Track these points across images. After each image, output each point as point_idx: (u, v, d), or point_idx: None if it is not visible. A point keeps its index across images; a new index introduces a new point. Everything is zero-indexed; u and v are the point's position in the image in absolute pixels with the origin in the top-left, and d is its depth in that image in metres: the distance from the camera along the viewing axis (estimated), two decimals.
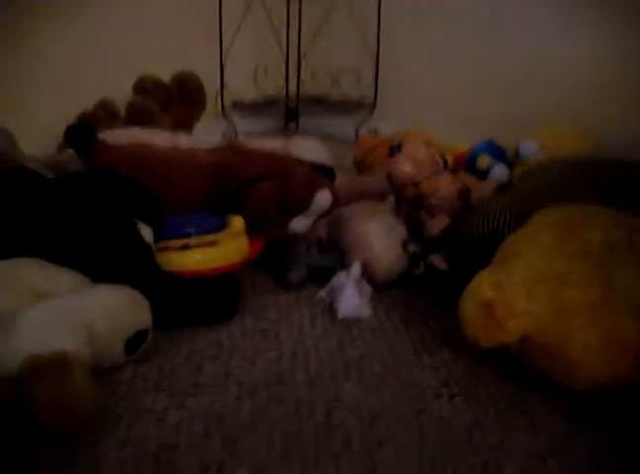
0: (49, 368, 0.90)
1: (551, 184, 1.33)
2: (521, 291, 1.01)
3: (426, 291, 1.36)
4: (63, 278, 1.06)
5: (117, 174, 1.24)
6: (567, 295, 0.97)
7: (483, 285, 1.04)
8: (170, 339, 1.17)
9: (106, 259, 1.11)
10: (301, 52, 3.01)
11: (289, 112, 2.95)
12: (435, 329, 1.25)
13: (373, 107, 2.91)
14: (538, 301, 0.99)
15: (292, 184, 1.40)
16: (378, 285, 1.38)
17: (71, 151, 1.47)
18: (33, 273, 1.04)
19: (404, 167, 1.49)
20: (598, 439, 0.93)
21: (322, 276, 1.40)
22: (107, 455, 0.88)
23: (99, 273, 1.10)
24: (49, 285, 1.04)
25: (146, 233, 1.16)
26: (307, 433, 0.93)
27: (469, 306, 1.05)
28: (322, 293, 1.33)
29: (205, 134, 2.53)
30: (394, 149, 1.57)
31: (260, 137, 2.90)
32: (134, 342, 1.04)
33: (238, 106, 2.91)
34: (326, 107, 2.99)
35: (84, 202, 1.15)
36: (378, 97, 2.91)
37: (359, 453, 0.89)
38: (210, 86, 2.75)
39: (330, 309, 1.30)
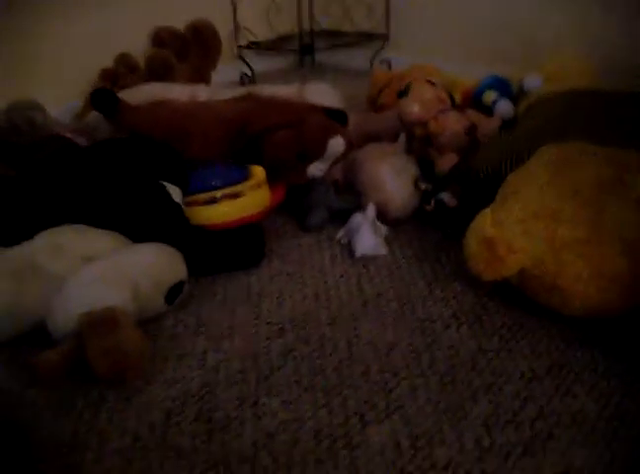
0: (101, 323, 1.02)
1: (550, 120, 1.40)
2: (519, 229, 1.11)
3: (438, 226, 1.46)
4: (106, 241, 1.19)
5: (145, 139, 1.35)
6: (558, 232, 1.07)
7: (485, 224, 1.14)
8: (204, 285, 1.29)
9: (142, 220, 1.23)
10: None
11: (304, 47, 2.99)
12: (446, 263, 1.35)
13: (386, 38, 2.95)
14: (534, 238, 1.09)
15: (307, 132, 1.49)
16: (393, 222, 1.47)
17: (97, 113, 1.57)
18: (79, 238, 1.17)
19: (412, 108, 1.57)
20: (594, 361, 1.04)
21: (340, 217, 1.50)
22: (157, 395, 1.01)
23: (136, 233, 1.22)
24: (95, 248, 1.16)
25: (175, 193, 1.27)
26: (330, 367, 1.05)
27: (473, 243, 1.15)
28: (340, 234, 1.44)
29: (222, 83, 2.63)
30: (402, 91, 1.65)
31: (275, 80, 2.96)
32: (173, 293, 1.16)
33: (253, 46, 2.97)
34: (340, 40, 3.03)
35: (118, 170, 1.27)
36: (390, 28, 2.94)
37: (377, 383, 1.01)
38: (224, 29, 2.82)
39: (348, 249, 1.41)
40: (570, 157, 1.17)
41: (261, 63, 3.05)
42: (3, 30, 2.19)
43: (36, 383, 1.04)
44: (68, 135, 1.47)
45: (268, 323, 1.17)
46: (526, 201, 1.13)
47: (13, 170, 1.42)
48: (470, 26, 2.67)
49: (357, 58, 3.08)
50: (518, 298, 1.18)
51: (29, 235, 1.20)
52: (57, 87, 2.33)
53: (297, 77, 3.04)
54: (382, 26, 2.95)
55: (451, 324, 1.15)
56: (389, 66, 2.96)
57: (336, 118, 1.57)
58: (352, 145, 1.56)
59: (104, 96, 1.55)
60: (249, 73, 2.94)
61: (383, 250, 1.37)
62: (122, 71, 2.27)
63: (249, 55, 2.98)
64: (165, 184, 1.27)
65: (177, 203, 1.27)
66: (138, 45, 2.48)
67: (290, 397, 0.99)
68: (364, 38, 3.00)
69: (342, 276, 1.32)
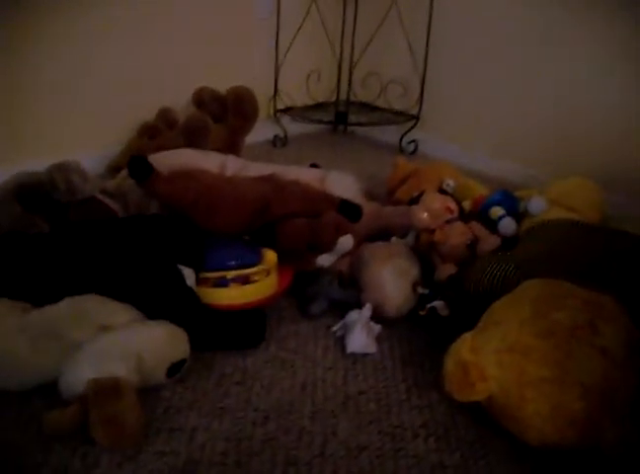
0: (105, 391, 1.15)
1: (542, 251, 1.52)
2: (494, 359, 1.22)
3: (428, 331, 1.57)
4: (122, 314, 1.31)
5: (171, 220, 1.48)
6: (527, 369, 1.18)
7: (464, 348, 1.26)
8: (204, 361, 1.42)
9: (156, 300, 1.36)
10: (353, 60, 3.20)
11: (338, 115, 3.14)
12: (428, 370, 1.46)
13: (417, 119, 3.09)
14: (505, 369, 1.20)
15: (321, 226, 1.62)
16: (387, 321, 1.59)
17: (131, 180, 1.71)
18: (99, 309, 1.30)
19: (421, 215, 1.69)
20: None
21: (340, 307, 1.62)
22: (145, 465, 1.13)
23: (150, 310, 1.35)
24: (111, 320, 1.29)
25: (188, 277, 1.40)
26: (304, 460, 1.16)
27: (450, 364, 1.27)
28: (336, 327, 1.56)
29: (256, 143, 2.77)
30: (413, 200, 1.78)
31: (308, 144, 3.10)
32: (174, 369, 1.29)
33: (289, 111, 3.12)
34: (373, 115, 3.18)
35: (141, 248, 1.41)
36: (422, 110, 3.08)
37: None
38: (265, 90, 2.98)
39: (341, 342, 1.52)
40: (552, 297, 1.28)
41: (295, 126, 3.19)
42: (49, 67, 2.34)
43: (40, 437, 1.17)
44: (103, 200, 1.61)
45: (255, 409, 1.29)
46: (505, 334, 1.24)
47: (48, 224, 1.56)
48: (497, 121, 2.81)
49: (387, 133, 3.21)
50: (486, 416, 1.28)
51: (53, 294, 1.33)
52: (96, 131, 2.49)
53: (328, 143, 3.18)
54: (415, 107, 3.08)
55: (420, 434, 1.26)
56: (416, 147, 3.09)
57: (350, 213, 1.70)
58: (360, 243, 1.69)
59: (139, 164, 1.69)
60: (282, 135, 3.08)
61: (373, 349, 1.49)
62: (162, 127, 2.42)
63: (284, 118, 3.12)
64: (181, 267, 1.40)
65: (188, 287, 1.40)
66: (181, 99, 2.65)
67: None
68: (397, 115, 3.14)
69: (330, 369, 1.43)
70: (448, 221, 1.71)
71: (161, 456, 1.15)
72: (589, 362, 1.17)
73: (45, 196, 1.59)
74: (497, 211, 1.79)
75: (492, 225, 1.79)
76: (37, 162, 1.76)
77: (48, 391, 1.24)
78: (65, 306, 1.29)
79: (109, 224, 1.50)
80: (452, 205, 1.74)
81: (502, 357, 1.21)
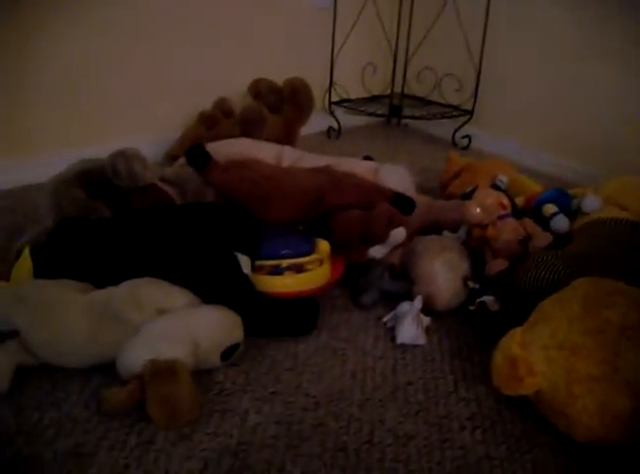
0: (162, 372, 1.19)
1: (594, 250, 1.52)
2: (542, 354, 1.23)
3: (477, 325, 1.59)
4: (179, 298, 1.36)
5: (228, 208, 1.52)
6: (575, 366, 1.19)
7: (513, 342, 1.27)
8: (257, 347, 1.45)
9: (213, 286, 1.40)
10: (409, 54, 3.20)
11: (393, 108, 3.16)
12: (476, 363, 1.47)
13: (471, 114, 3.08)
14: (553, 365, 1.21)
15: (374, 218, 1.64)
16: (437, 314, 1.61)
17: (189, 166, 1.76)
18: (157, 293, 1.34)
19: (474, 211, 1.70)
20: None
21: (391, 298, 1.64)
22: (199, 445, 1.17)
23: (206, 295, 1.39)
24: (169, 303, 1.33)
25: (245, 264, 1.44)
26: (352, 446, 1.19)
27: (499, 358, 1.28)
28: (387, 318, 1.58)
29: (310, 135, 2.80)
30: (466, 195, 1.79)
31: (362, 136, 3.12)
32: (228, 352, 1.33)
33: (344, 103, 3.14)
34: (427, 109, 3.18)
35: (200, 235, 1.45)
36: (477, 105, 3.07)
37: (389, 470, 1.14)
38: (320, 82, 3.01)
39: (391, 333, 1.55)
40: (601, 295, 1.29)
41: (349, 119, 3.20)
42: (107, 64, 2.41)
43: (100, 413, 1.22)
44: (162, 187, 1.65)
45: (305, 395, 1.32)
46: (554, 330, 1.25)
47: (110, 210, 1.61)
48: (551, 118, 2.79)
49: (440, 127, 3.22)
50: (533, 411, 1.29)
51: (114, 277, 1.38)
52: (156, 122, 2.55)
53: (382, 136, 3.20)
54: (469, 102, 3.08)
55: (467, 426, 1.27)
56: (469, 141, 3.09)
57: (403, 206, 1.72)
58: (412, 236, 1.70)
59: (198, 153, 1.74)
60: (336, 127, 3.10)
61: (422, 341, 1.51)
62: (219, 116, 2.47)
63: (339, 110, 3.14)
64: (237, 255, 1.43)
65: (244, 274, 1.43)
66: (238, 90, 2.70)
67: (311, 469, 1.13)
68: (451, 109, 3.14)
69: (380, 359, 1.46)
70: (501, 217, 1.71)
71: (214, 437, 1.19)
72: (637, 362, 1.17)
73: (108, 182, 1.63)
74: (550, 209, 1.79)
75: (544, 222, 1.78)
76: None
77: (108, 370, 1.29)
78: (125, 288, 1.33)
79: (168, 211, 1.54)
80: (505, 201, 1.75)
81: (550, 354, 1.23)
